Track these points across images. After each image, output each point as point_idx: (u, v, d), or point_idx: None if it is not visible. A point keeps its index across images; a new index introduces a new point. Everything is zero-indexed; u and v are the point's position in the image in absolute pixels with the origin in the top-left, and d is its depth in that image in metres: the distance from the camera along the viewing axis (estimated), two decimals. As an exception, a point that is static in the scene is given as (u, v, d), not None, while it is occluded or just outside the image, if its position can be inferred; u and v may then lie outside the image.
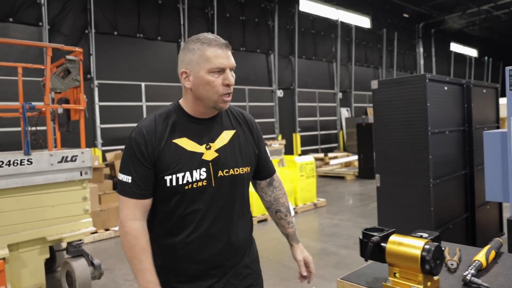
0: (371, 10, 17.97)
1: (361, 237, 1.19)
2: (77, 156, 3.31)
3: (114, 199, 5.68)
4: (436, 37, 21.90)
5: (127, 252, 1.30)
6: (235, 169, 1.39)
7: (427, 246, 1.05)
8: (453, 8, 19.13)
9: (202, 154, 1.33)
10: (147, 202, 1.34)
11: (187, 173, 1.31)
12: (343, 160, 11.01)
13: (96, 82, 9.62)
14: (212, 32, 11.81)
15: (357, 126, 9.92)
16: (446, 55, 23.31)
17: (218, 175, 1.35)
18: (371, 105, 17.81)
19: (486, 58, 27.38)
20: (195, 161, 1.32)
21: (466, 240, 3.37)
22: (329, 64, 16.06)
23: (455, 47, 24.17)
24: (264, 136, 13.20)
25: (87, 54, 9.53)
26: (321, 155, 11.79)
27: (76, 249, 3.39)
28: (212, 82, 1.29)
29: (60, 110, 3.61)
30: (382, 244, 1.14)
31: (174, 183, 1.30)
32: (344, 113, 16.43)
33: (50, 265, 3.99)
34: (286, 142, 12.59)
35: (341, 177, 9.79)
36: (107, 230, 5.33)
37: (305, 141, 14.53)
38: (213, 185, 1.34)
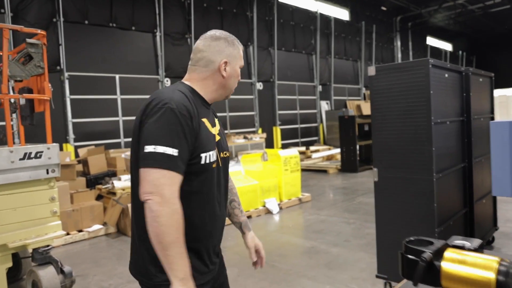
0: (350, 3, 17.89)
1: (402, 252, 0.91)
2: (42, 152, 2.94)
3: (87, 197, 5.30)
4: (413, 30, 22.09)
5: (172, 233, 1.18)
6: (226, 152, 1.52)
7: (503, 268, 0.79)
8: (430, 2, 19.28)
9: (214, 135, 1.43)
10: (181, 178, 1.27)
11: (213, 152, 1.39)
12: (325, 154, 10.87)
13: (66, 74, 9.08)
14: (189, 22, 11.41)
15: (339, 119, 9.78)
16: (422, 48, 23.58)
17: (221, 156, 1.46)
18: (351, 98, 17.75)
19: (460, 52, 27.92)
20: (213, 141, 1.41)
21: (465, 236, 3.21)
22: (309, 57, 15.88)
23: (431, 41, 24.50)
24: (244, 130, 12.93)
25: (56, 44, 8.97)
26: (303, 148, 11.61)
27: (43, 256, 3.03)
28: (238, 75, 1.54)
29: (22, 101, 3.23)
30: (435, 262, 0.86)
31: (207, 161, 1.35)
32: (324, 106, 16.32)
33: (14, 274, 3.61)
34: (267, 136, 12.36)
35: (323, 171, 9.64)
36: (80, 231, 4.95)
37: (285, 135, 14.34)
38: (220, 165, 1.45)
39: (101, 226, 5.05)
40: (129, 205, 4.87)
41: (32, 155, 2.89)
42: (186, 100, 1.32)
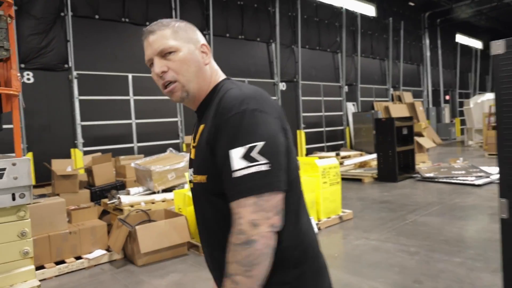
0: (376, -2, 16.80)
1: None
2: (3, 170, 2.05)
3: (88, 215, 4.42)
4: (441, 27, 20.80)
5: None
6: (195, 175, 1.12)
7: None
8: (462, -4, 18.01)
9: (190, 151, 1.18)
10: None
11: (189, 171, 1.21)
12: (357, 160, 9.83)
13: (74, 73, 8.31)
14: (207, 18, 10.55)
15: (375, 122, 8.73)
16: (452, 46, 22.25)
17: (193, 180, 1.16)
18: (378, 99, 16.63)
19: (491, 50, 26.35)
20: (190, 159, 1.21)
21: None
22: (334, 55, 14.85)
23: (460, 38, 23.11)
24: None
25: (63, 41, 8.22)
26: (331, 154, 10.58)
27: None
28: (153, 77, 1.17)
29: (-14, 98, 2.36)
30: None
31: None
32: (350, 108, 15.25)
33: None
34: (291, 140, 11.37)
35: (357, 180, 8.60)
36: (78, 258, 4.07)
37: (309, 139, 13.33)
38: (194, 190, 1.18)
39: (104, 252, 4.16)
40: (138, 227, 3.96)
41: (-11, 174, 2.00)
42: None
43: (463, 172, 8.53)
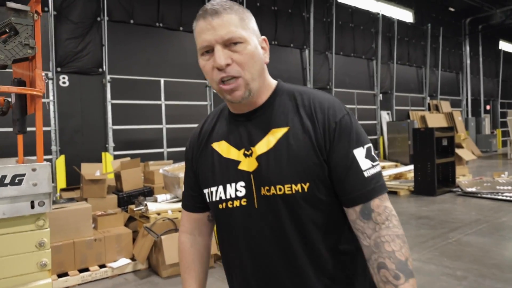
0: (414, 3, 16.23)
1: None
2: (23, 175, 1.92)
3: (114, 222, 4.32)
4: (483, 34, 19.87)
5: None
6: (278, 186, 0.93)
7: None
8: (507, 0, 17.11)
9: (237, 163, 0.98)
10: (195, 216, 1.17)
11: (220, 187, 1.00)
12: (393, 171, 9.38)
13: (108, 77, 8.38)
14: (241, 22, 10.43)
15: (413, 131, 8.30)
16: (494, 54, 21.20)
17: (261, 193, 0.95)
18: (414, 108, 15.98)
19: (537, 58, 24.98)
20: (231, 172, 0.99)
21: None
22: (369, 62, 14.42)
23: (504, 45, 22.01)
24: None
25: (99, 45, 8.32)
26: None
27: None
28: (203, 67, 0.96)
29: (11, 99, 2.26)
30: None
31: (212, 199, 1.03)
32: (385, 116, 14.72)
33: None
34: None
35: (393, 192, 8.17)
36: (102, 266, 3.96)
37: (341, 148, 12.93)
38: (256, 206, 0.96)
39: (128, 261, 4.04)
40: (163, 237, 3.80)
41: (7, 180, 1.88)
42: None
43: (510, 187, 7.94)
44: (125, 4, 8.65)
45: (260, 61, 0.97)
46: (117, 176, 5.53)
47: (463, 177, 9.32)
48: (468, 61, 19.22)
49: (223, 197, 1.01)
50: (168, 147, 9.25)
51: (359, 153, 0.94)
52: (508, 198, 7.16)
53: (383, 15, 14.51)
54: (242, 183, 0.98)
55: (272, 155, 0.96)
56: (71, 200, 5.07)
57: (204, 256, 1.19)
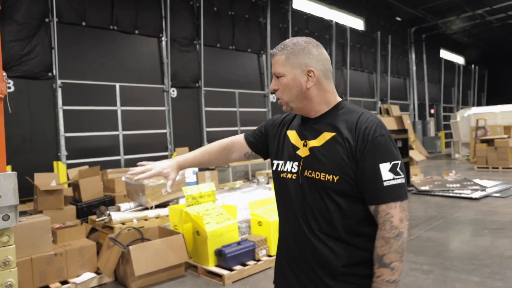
0: (365, 11, 16.95)
1: None
2: (-16, 186, 1.72)
3: (75, 235, 4.04)
4: (427, 42, 21.15)
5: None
6: (316, 172, 1.31)
7: None
8: (448, 12, 18.36)
9: (297, 148, 1.38)
10: (242, 142, 1.68)
11: (284, 163, 1.41)
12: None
13: (59, 81, 7.93)
14: (198, 27, 10.34)
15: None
16: (436, 61, 22.62)
17: (304, 174, 1.34)
18: (371, 112, 16.55)
19: (472, 66, 26.97)
20: (291, 152, 1.40)
21: None
22: (323, 68, 14.79)
23: (444, 54, 23.56)
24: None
25: (48, 48, 7.85)
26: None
27: None
28: None
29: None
30: None
31: (277, 168, 1.44)
32: (340, 120, 15.15)
33: None
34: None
35: (352, 193, 8.40)
36: (64, 283, 3.68)
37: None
38: (301, 183, 1.35)
39: (93, 275, 3.79)
40: (131, 247, 3.61)
41: (-33, 192, 1.68)
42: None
43: (458, 185, 8.44)
44: (75, 6, 8.24)
45: (298, 88, 1.33)
46: (75, 186, 5.21)
47: (416, 177, 9.79)
48: (414, 68, 20.33)
49: (284, 169, 1.41)
50: (125, 154, 8.90)
51: (384, 167, 1.23)
52: (458, 195, 7.60)
53: (336, 23, 14.99)
54: (296, 163, 1.37)
55: (320, 150, 1.31)
56: (24, 213, 4.72)
57: (223, 151, 1.65)
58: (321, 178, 1.28)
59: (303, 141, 1.36)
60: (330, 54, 14.77)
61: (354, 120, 1.28)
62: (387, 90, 18.10)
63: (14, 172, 1.82)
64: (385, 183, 1.21)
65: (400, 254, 1.22)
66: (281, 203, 1.44)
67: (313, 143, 1.33)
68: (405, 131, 9.06)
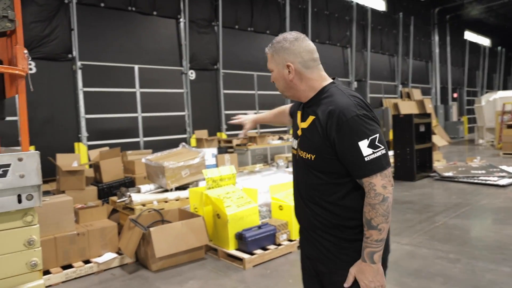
0: (387, -9, 16.40)
1: None
2: (8, 166, 1.69)
3: (97, 215, 4.06)
4: (451, 24, 20.39)
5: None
6: (303, 152, 1.51)
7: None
8: (474, -9, 17.60)
9: (298, 128, 1.58)
10: (286, 112, 2.01)
11: (294, 141, 1.62)
12: (371, 158, 9.44)
13: (79, 63, 7.94)
14: (216, 8, 10.16)
15: (393, 118, 8.38)
16: (460, 43, 21.85)
17: (299, 153, 1.55)
18: (387, 95, 16.22)
19: (499, 48, 25.98)
20: (295, 132, 1.60)
21: None
22: (344, 50, 14.47)
23: (469, 35, 22.71)
24: (277, 129, 11.59)
25: (67, 29, 7.85)
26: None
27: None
28: None
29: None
30: None
31: (292, 145, 1.67)
32: (360, 104, 14.85)
33: None
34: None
35: (372, 178, 8.23)
36: (87, 262, 3.71)
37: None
38: (297, 158, 1.57)
39: (114, 255, 3.81)
40: (152, 229, 3.60)
41: (-10, 171, 1.64)
42: None
43: (483, 171, 8.18)
44: (95, -14, 8.18)
45: (283, 80, 1.52)
46: (96, 167, 5.24)
47: (438, 163, 9.54)
48: (437, 50, 19.70)
49: (292, 146, 1.62)
50: (144, 136, 8.93)
51: (363, 144, 1.35)
52: (483, 181, 7.36)
53: (357, 3, 14.55)
54: (296, 142, 1.57)
55: (306, 131, 1.51)
56: (47, 193, 4.77)
57: (280, 115, 2.04)
58: (304, 156, 1.49)
59: (302, 123, 1.54)
60: (350, 36, 14.40)
61: (330, 104, 1.41)
62: (408, 73, 17.62)
63: (37, 151, 1.78)
64: (366, 159, 1.35)
65: (386, 216, 1.36)
66: (293, 174, 1.66)
67: (303, 124, 1.52)
68: (428, 115, 8.78)
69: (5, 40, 1.92)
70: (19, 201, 1.75)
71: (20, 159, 1.72)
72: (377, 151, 1.35)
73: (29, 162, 1.75)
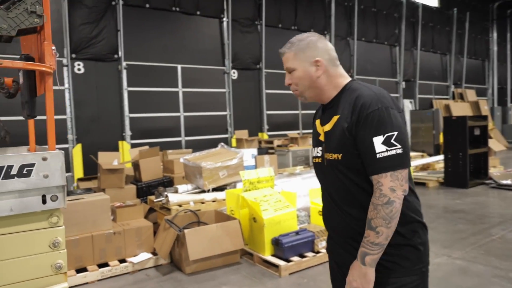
0: (440, -13, 15.51)
1: None
2: (32, 166, 1.64)
3: (134, 214, 4.07)
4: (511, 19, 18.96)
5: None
6: (329, 153, 1.47)
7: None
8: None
9: (319, 134, 1.54)
10: None
11: (314, 149, 1.58)
12: (420, 162, 8.93)
13: (124, 63, 8.13)
14: (260, 7, 10.06)
15: (444, 120, 7.83)
16: (522, 40, 20.24)
17: (325, 157, 1.49)
18: (438, 96, 15.37)
19: None
20: (316, 139, 1.57)
21: None
22: (391, 48, 13.87)
23: (532, 31, 20.99)
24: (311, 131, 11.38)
25: (114, 30, 8.06)
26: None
27: None
28: None
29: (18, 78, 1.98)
30: None
31: (312, 154, 1.61)
32: (408, 105, 14.19)
33: None
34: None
35: (421, 184, 7.76)
36: (122, 261, 3.72)
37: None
38: (325, 164, 1.50)
39: (149, 256, 3.79)
40: (186, 231, 3.53)
41: (14, 171, 1.60)
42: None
43: (547, 180, 7.45)
44: (141, -12, 8.34)
45: (309, 79, 1.48)
46: (136, 166, 5.29)
47: (494, 169, 8.83)
48: (495, 48, 18.41)
49: (314, 155, 1.57)
50: (186, 135, 9.00)
51: (377, 140, 1.31)
52: (547, 191, 6.69)
53: (407, 0, 13.89)
54: (320, 148, 1.53)
55: (330, 133, 1.47)
56: (88, 190, 4.86)
57: None
58: (332, 158, 1.44)
59: (322, 128, 1.52)
60: (399, 34, 13.77)
61: (353, 98, 1.39)
62: (462, 73, 16.60)
63: (61, 151, 1.72)
64: (378, 155, 1.31)
65: (387, 221, 1.30)
66: (320, 184, 1.62)
67: (326, 127, 1.49)
68: (483, 117, 8.14)
69: (36, 37, 1.89)
70: (44, 201, 1.70)
71: (44, 159, 1.67)
72: (392, 149, 1.30)
73: (53, 162, 1.69)
